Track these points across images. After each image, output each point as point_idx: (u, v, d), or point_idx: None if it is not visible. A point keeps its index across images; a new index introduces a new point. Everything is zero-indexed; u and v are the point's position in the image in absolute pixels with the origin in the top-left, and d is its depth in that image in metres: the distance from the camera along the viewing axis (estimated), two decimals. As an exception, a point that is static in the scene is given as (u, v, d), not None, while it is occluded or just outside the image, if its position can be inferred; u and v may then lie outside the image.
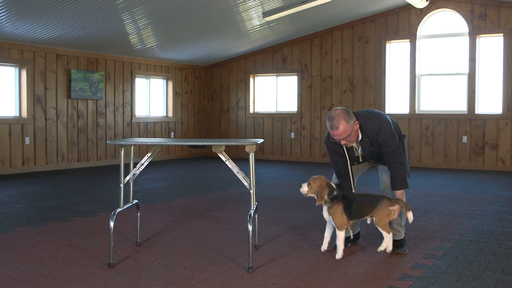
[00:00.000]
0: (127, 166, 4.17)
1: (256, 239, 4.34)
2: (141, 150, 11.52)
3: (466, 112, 10.59)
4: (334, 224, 4.00)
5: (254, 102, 13.12)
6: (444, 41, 10.93)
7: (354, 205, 3.98)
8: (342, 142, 4.00)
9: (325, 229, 4.11)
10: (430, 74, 11.06)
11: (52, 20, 8.42)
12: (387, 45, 11.34)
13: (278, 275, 3.58)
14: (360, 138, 4.08)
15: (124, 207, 4.06)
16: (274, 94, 12.84)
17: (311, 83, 12.16)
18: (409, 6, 10.81)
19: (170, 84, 12.88)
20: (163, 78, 12.82)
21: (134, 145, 4.02)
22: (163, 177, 9.17)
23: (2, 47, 9.38)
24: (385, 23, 11.31)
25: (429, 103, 11.07)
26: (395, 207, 3.94)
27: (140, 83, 12.28)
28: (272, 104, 12.88)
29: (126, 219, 5.29)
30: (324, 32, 11.86)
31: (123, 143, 3.93)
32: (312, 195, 4.01)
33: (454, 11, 10.62)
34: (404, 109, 11.19)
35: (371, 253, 4.14)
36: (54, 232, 4.85)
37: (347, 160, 4.17)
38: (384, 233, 3.97)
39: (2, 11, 7.76)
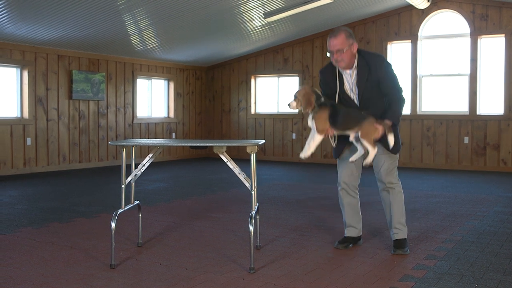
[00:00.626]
0: (128, 167, 4.17)
1: (258, 240, 4.34)
2: (143, 151, 11.52)
3: (468, 113, 10.58)
4: (314, 129, 3.94)
5: (255, 103, 13.12)
6: (445, 42, 10.93)
7: (340, 115, 3.91)
8: (336, 56, 3.97)
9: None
10: (431, 75, 11.05)
11: (53, 21, 8.43)
12: (389, 46, 11.34)
13: (280, 276, 3.58)
14: (356, 65, 4.05)
15: (126, 208, 4.06)
16: (275, 95, 12.84)
17: (312, 84, 12.16)
18: (410, 7, 10.81)
19: (172, 85, 12.89)
20: (165, 79, 12.83)
21: (136, 146, 4.02)
22: (164, 178, 9.18)
23: (4, 48, 9.39)
24: (387, 24, 11.31)
25: (430, 104, 11.06)
26: (380, 127, 3.89)
27: (142, 84, 12.28)
28: (273, 105, 12.88)
29: (128, 220, 5.29)
30: (326, 33, 11.85)
31: (124, 144, 3.93)
32: (308, 111, 3.96)
33: (456, 11, 10.62)
34: (406, 110, 11.16)
35: (372, 254, 4.14)
36: (56, 233, 4.85)
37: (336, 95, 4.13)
38: (370, 148, 3.90)
39: (3, 12, 7.78)
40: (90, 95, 10.79)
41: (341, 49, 3.95)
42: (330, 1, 9.23)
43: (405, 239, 4.20)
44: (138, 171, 4.04)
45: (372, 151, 3.91)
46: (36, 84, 9.94)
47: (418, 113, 11.03)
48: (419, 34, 10.99)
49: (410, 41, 11.06)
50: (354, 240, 4.38)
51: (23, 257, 4.03)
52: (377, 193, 7.26)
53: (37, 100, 9.96)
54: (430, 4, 10.53)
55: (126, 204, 4.08)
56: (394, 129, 4.02)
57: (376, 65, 4.04)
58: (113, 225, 3.76)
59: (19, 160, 9.69)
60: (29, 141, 9.83)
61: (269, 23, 10.33)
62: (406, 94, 10.87)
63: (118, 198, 6.69)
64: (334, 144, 4.17)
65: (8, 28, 8.56)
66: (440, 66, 11.00)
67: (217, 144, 3.77)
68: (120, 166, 10.46)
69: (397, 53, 11.36)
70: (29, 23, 8.45)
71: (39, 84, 9.99)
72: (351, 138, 4.01)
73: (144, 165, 4.03)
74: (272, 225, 5.20)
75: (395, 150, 4.11)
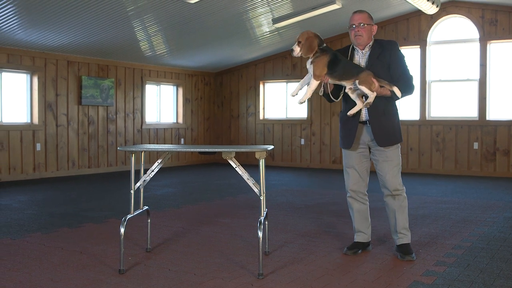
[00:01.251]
0: (137, 173, 4.18)
1: (266, 246, 4.34)
2: (151, 157, 11.55)
3: (477, 119, 10.53)
4: (311, 73, 3.94)
5: (264, 108, 13.13)
6: (454, 47, 10.89)
7: (340, 64, 3.93)
8: (356, 29, 4.08)
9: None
10: (440, 80, 11.02)
11: (63, 27, 8.49)
12: (397, 51, 11.30)
13: (288, 282, 3.57)
14: (370, 46, 4.16)
15: (135, 214, 4.07)
16: (284, 100, 12.84)
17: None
18: (419, 12, 10.79)
19: (180, 90, 12.92)
20: (173, 85, 12.87)
21: (145, 151, 4.03)
22: (173, 183, 9.19)
23: (14, 54, 9.46)
24: (395, 29, 11.29)
25: (439, 109, 11.02)
26: (376, 82, 3.91)
27: (150, 89, 12.32)
28: (282, 110, 12.88)
29: (137, 226, 5.30)
30: (334, 39, 11.86)
31: (133, 149, 3.94)
32: (310, 55, 3.96)
33: (465, 17, 10.59)
34: (415, 116, 11.15)
35: (381, 260, 4.12)
36: (65, 238, 4.86)
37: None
38: (368, 92, 3.90)
39: (14, 18, 7.84)
40: (99, 100, 10.84)
41: (362, 23, 4.08)
42: (338, 7, 9.24)
43: (409, 244, 4.20)
44: (147, 177, 4.05)
45: (372, 95, 3.92)
46: (45, 89, 10.00)
47: (427, 119, 11.00)
48: (428, 39, 10.97)
49: (419, 46, 11.03)
50: (364, 246, 4.36)
51: (33, 262, 4.04)
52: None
53: (46, 105, 10.02)
54: (439, 10, 10.49)
55: (135, 210, 4.09)
56: (394, 114, 4.16)
57: (391, 49, 4.17)
58: (122, 230, 3.77)
59: (28, 165, 9.74)
60: (38, 146, 9.88)
61: (277, 29, 10.35)
62: (415, 96, 10.85)
63: (127, 204, 6.70)
64: (321, 92, 4.19)
65: (19, 34, 8.62)
66: (449, 72, 10.97)
67: (226, 150, 3.77)
68: (129, 172, 10.47)
69: (405, 59, 11.31)
70: (39, 29, 8.51)
71: (49, 89, 10.05)
72: (347, 90, 4.03)
73: (153, 171, 4.04)
74: (280, 231, 5.19)
75: (395, 139, 4.14)
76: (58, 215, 6.05)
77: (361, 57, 4.18)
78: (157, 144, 12.12)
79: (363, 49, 4.18)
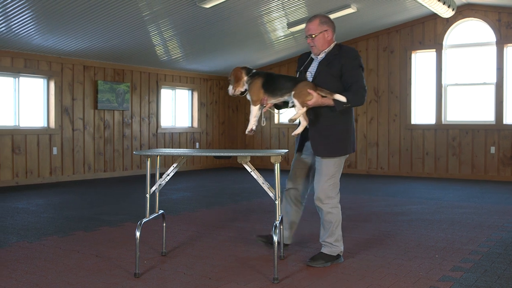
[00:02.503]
0: (153, 176, 4.19)
1: (281, 250, 4.33)
2: (167, 161, 11.59)
3: (494, 123, 10.44)
4: (250, 101, 3.91)
5: (278, 113, 13.08)
6: (471, 51, 10.82)
7: (276, 82, 3.89)
8: (308, 41, 4.06)
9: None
10: (456, 84, 10.94)
11: (79, 32, 8.56)
12: (413, 55, 11.27)
13: (304, 287, 3.56)
14: (326, 52, 4.07)
15: (150, 217, 4.08)
16: (298, 104, 12.80)
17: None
18: (434, 16, 10.73)
19: (195, 94, 12.96)
20: (188, 89, 12.91)
21: (160, 155, 4.05)
22: (188, 187, 9.21)
23: (31, 59, 9.56)
24: (411, 33, 11.24)
25: (456, 114, 10.94)
26: (314, 93, 3.82)
27: (166, 93, 12.38)
28: (296, 114, 12.84)
29: (152, 229, 5.32)
30: (349, 43, 11.83)
31: (149, 153, 3.95)
32: (241, 89, 3.94)
33: (481, 20, 10.51)
34: (431, 120, 11.08)
35: (397, 265, 4.10)
36: (81, 242, 4.89)
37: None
38: (298, 106, 3.84)
39: (31, 24, 7.92)
40: (115, 105, 10.91)
41: (312, 34, 4.03)
42: (354, 11, 9.22)
43: (329, 255, 4.09)
44: (162, 181, 4.06)
45: (300, 110, 3.87)
46: (62, 94, 10.09)
47: (443, 123, 10.92)
48: (444, 43, 10.90)
49: (434, 50, 10.97)
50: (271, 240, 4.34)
51: (49, 265, 4.07)
52: (404, 203, 7.20)
53: (63, 110, 10.10)
54: (455, 13, 10.43)
55: (150, 213, 4.10)
56: (340, 124, 4.03)
57: (346, 57, 4.01)
58: (138, 234, 3.78)
59: (45, 169, 9.83)
60: (55, 150, 9.96)
61: (292, 33, 10.35)
62: (431, 100, 10.79)
63: (142, 207, 6.73)
64: (275, 112, 4.22)
65: (36, 40, 8.72)
66: (465, 75, 10.88)
67: (241, 154, 3.77)
68: (144, 175, 10.53)
69: (421, 62, 11.28)
70: (56, 34, 8.59)
71: (65, 94, 10.14)
72: (290, 104, 3.99)
73: (168, 175, 4.05)
74: (295, 235, 5.17)
75: (333, 151, 4.04)
76: (74, 219, 6.09)
77: (316, 64, 4.15)
78: (172, 148, 12.16)
79: (319, 55, 4.13)
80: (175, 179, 10.06)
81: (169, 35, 9.42)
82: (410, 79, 11.25)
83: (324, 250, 4.13)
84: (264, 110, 3.96)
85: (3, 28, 7.94)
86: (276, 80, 3.92)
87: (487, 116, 10.61)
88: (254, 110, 3.92)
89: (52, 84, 9.96)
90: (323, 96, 3.86)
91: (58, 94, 10.02)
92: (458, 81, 10.94)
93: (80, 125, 10.41)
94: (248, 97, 3.95)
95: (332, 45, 4.10)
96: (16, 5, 7.08)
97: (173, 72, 12.23)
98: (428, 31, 11.05)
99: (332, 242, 4.11)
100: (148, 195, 4.03)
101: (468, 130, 10.67)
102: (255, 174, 3.86)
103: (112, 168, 11.00)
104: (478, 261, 4.22)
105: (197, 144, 12.97)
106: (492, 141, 10.44)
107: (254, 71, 3.96)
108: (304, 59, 4.26)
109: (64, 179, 10.11)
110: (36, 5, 7.20)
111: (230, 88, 3.98)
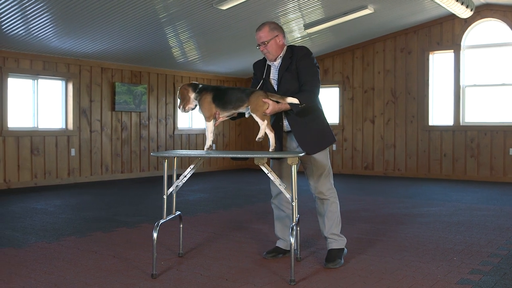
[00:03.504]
0: (170, 178, 4.21)
1: (298, 252, 4.32)
2: (183, 162, 11.63)
3: (513, 124, 10.33)
4: (203, 116, 3.87)
5: (235, 122, 13.06)
6: (489, 51, 10.71)
7: (226, 95, 3.84)
8: (261, 48, 4.10)
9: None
10: (475, 85, 10.84)
11: (97, 35, 8.63)
12: (431, 56, 11.19)
13: (320, 289, 3.55)
14: (281, 56, 4.11)
15: (167, 219, 4.10)
16: (315, 106, 12.77)
17: (352, 95, 12.08)
18: (452, 16, 10.65)
19: (212, 96, 12.97)
20: (205, 91, 12.92)
21: (177, 157, 4.06)
22: (205, 188, 9.23)
23: (50, 61, 9.65)
24: (428, 33, 11.16)
25: (474, 115, 10.84)
26: (269, 101, 3.79)
27: (182, 95, 12.40)
28: (313, 116, 12.81)
29: (169, 230, 5.34)
30: (366, 44, 11.79)
31: (166, 155, 3.96)
32: (191, 106, 3.91)
33: (500, 20, 10.41)
34: (449, 121, 10.99)
35: (415, 267, 4.06)
36: (99, 242, 4.93)
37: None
38: (259, 121, 3.84)
39: (50, 26, 8.00)
40: (132, 106, 10.98)
41: (264, 41, 4.09)
42: (370, 12, 9.18)
43: (338, 249, 4.12)
44: (179, 182, 4.07)
45: (262, 125, 3.86)
46: (80, 96, 10.17)
47: (461, 124, 10.82)
48: (462, 43, 10.81)
49: (452, 50, 10.88)
50: (284, 252, 4.35)
51: (67, 266, 4.10)
52: (422, 205, 7.15)
53: (81, 111, 10.19)
54: (473, 13, 10.34)
55: (167, 215, 4.12)
56: (316, 119, 4.03)
57: (299, 55, 4.04)
58: (155, 235, 3.80)
59: (63, 170, 9.92)
60: (73, 151, 10.05)
61: (309, 34, 10.33)
62: (449, 100, 10.69)
63: (159, 209, 6.76)
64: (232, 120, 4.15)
65: (54, 42, 8.80)
66: (484, 76, 10.78)
67: (258, 156, 3.77)
68: (161, 177, 10.58)
69: (439, 63, 11.20)
70: (74, 37, 8.67)
71: (83, 96, 10.23)
72: (247, 115, 3.95)
73: (185, 176, 4.06)
74: (312, 237, 5.17)
75: (322, 144, 4.08)
76: (92, 220, 6.14)
77: (274, 70, 4.14)
78: (188, 149, 12.20)
79: (276, 61, 4.13)
80: (192, 181, 10.09)
81: (185, 37, 9.46)
82: (428, 80, 11.17)
83: (333, 245, 4.13)
84: (215, 124, 3.94)
85: (22, 31, 8.03)
86: (226, 93, 3.87)
87: (506, 117, 10.50)
88: (210, 126, 3.90)
89: (70, 86, 10.05)
90: (278, 102, 3.85)
91: (76, 96, 10.11)
92: (477, 82, 10.83)
93: (98, 126, 10.49)
94: (200, 113, 3.93)
95: (285, 49, 4.17)
96: (35, 8, 7.16)
97: (189, 73, 12.27)
98: (446, 31, 10.97)
99: (339, 232, 4.16)
100: (165, 197, 4.04)
101: (487, 131, 10.57)
102: (272, 176, 3.86)
103: (129, 169, 11.06)
104: (497, 264, 4.17)
105: (214, 145, 13.00)
106: (511, 142, 10.33)
107: (200, 86, 3.92)
108: (260, 66, 4.25)
109: (82, 180, 10.19)
110: (54, 8, 7.27)
111: (179, 108, 3.98)
